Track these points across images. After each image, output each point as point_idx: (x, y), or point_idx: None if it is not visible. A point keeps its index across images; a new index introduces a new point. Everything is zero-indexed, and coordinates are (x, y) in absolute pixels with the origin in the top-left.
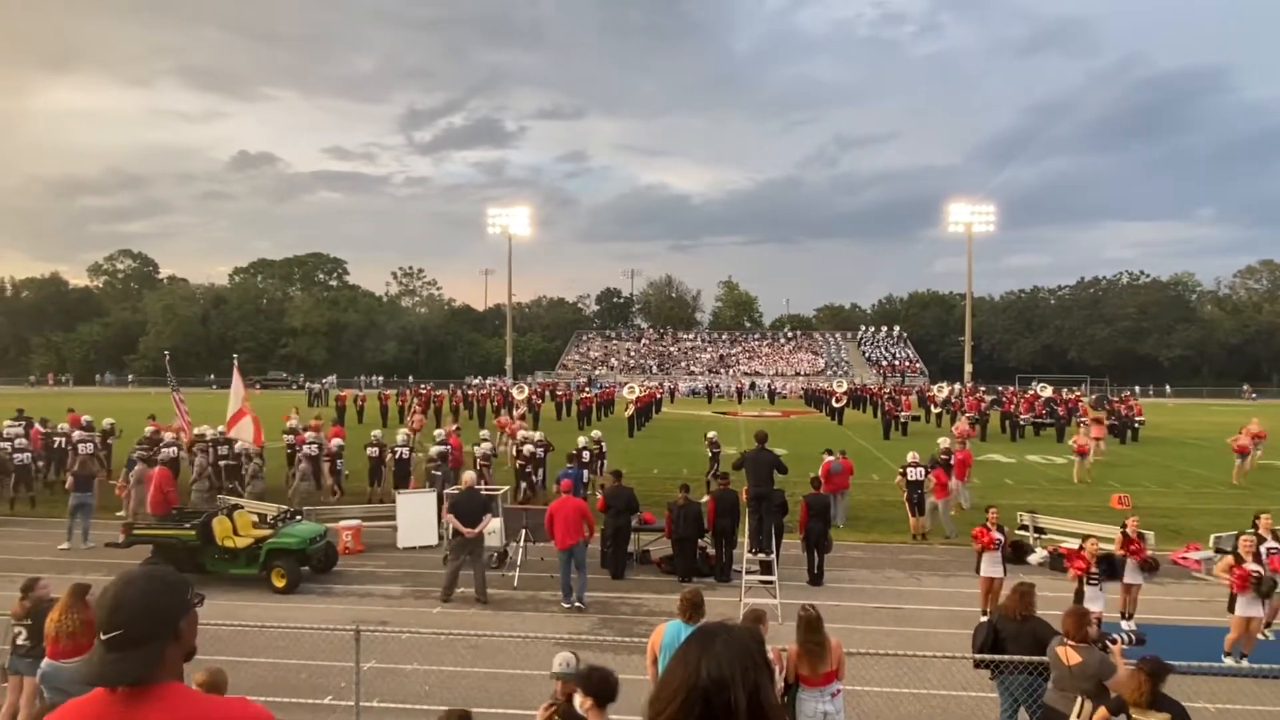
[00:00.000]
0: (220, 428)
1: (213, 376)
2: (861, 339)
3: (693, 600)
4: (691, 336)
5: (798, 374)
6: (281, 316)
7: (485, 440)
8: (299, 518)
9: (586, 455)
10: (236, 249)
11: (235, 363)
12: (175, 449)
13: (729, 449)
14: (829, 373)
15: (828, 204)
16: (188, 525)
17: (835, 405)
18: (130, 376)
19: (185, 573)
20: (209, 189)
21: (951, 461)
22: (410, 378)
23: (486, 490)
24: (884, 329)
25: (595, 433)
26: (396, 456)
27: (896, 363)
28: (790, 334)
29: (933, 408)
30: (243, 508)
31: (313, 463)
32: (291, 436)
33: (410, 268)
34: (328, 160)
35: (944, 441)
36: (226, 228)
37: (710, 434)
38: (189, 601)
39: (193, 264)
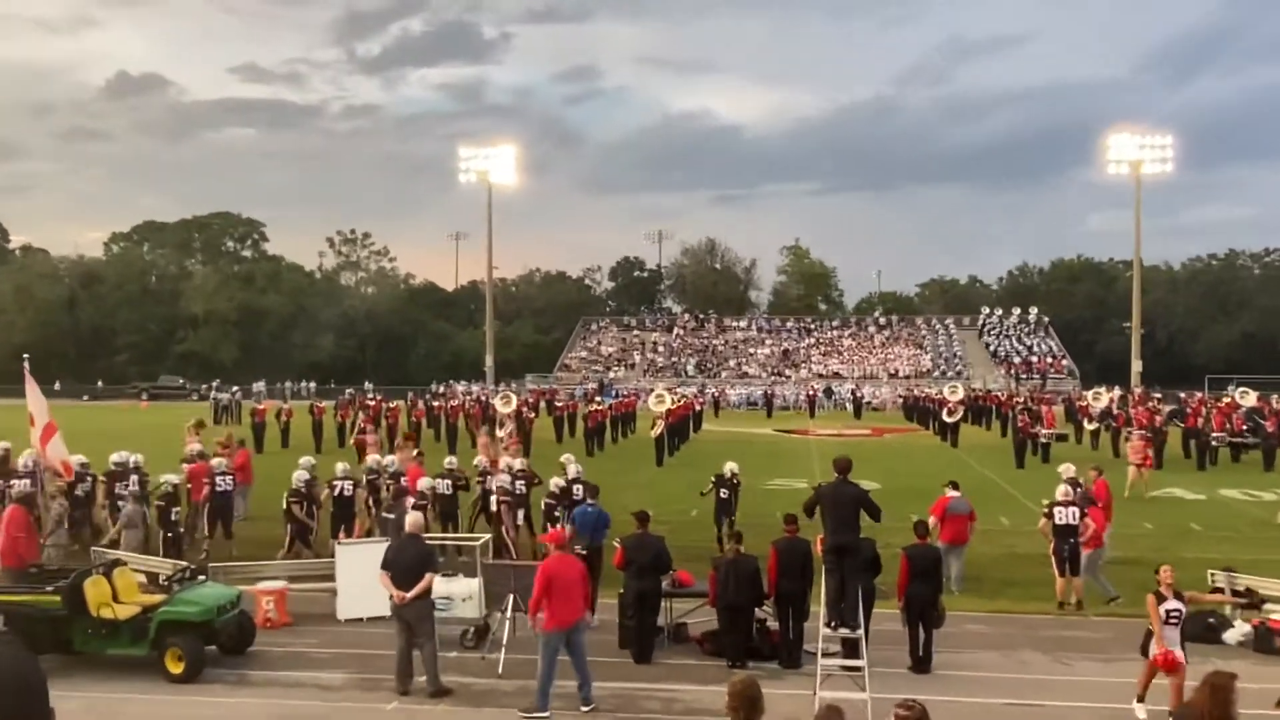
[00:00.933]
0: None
1: (100, 384)
2: (984, 326)
3: (746, 693)
4: (744, 324)
5: (894, 375)
6: (176, 300)
7: (493, 468)
8: (202, 578)
9: (578, 491)
10: (115, 208)
11: (25, 365)
12: (30, 481)
13: (797, 482)
14: (938, 374)
15: (935, 136)
16: (50, 588)
17: (947, 419)
18: None
19: (47, 653)
20: (76, 125)
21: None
22: (367, 384)
23: (441, 541)
24: (1016, 312)
25: (567, 456)
26: (336, 493)
27: (1034, 359)
28: (884, 319)
29: (1086, 423)
30: (124, 564)
31: (224, 500)
32: (188, 466)
33: (352, 232)
34: (237, 84)
35: (1068, 469)
36: (101, 178)
37: (729, 468)
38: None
39: (55, 229)
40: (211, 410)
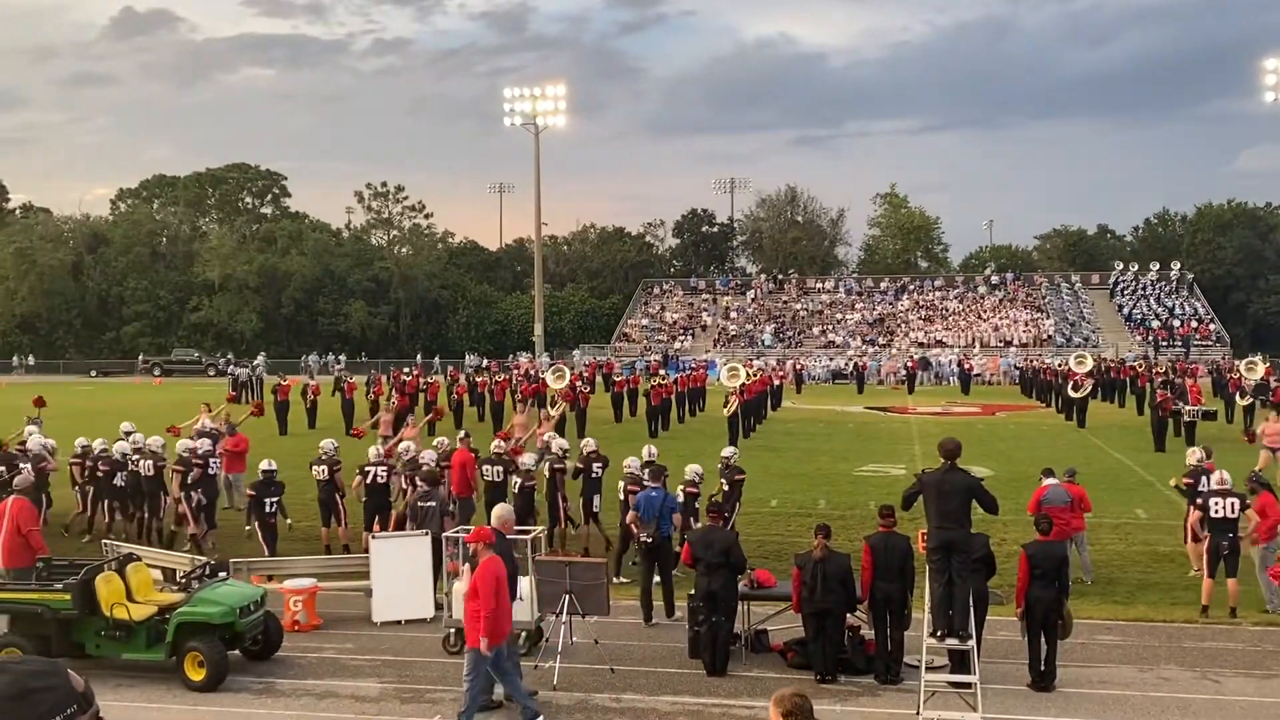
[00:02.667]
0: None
1: (144, 361)
2: (1116, 285)
3: (798, 708)
4: (830, 285)
5: (1008, 344)
6: (190, 264)
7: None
8: (224, 575)
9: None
10: (121, 161)
11: None
12: (46, 465)
13: (893, 469)
14: (1061, 341)
15: (1057, 62)
16: (58, 586)
17: (1073, 395)
18: None
19: (56, 657)
20: (78, 70)
21: (1206, 488)
22: (436, 360)
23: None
24: (1154, 268)
25: (555, 438)
26: (369, 480)
27: (1176, 323)
28: (996, 278)
29: (1239, 398)
30: (138, 559)
31: (210, 486)
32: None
33: (383, 185)
34: (253, 18)
35: (1193, 454)
36: (106, 129)
37: (691, 471)
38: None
39: (57, 185)
40: (229, 386)
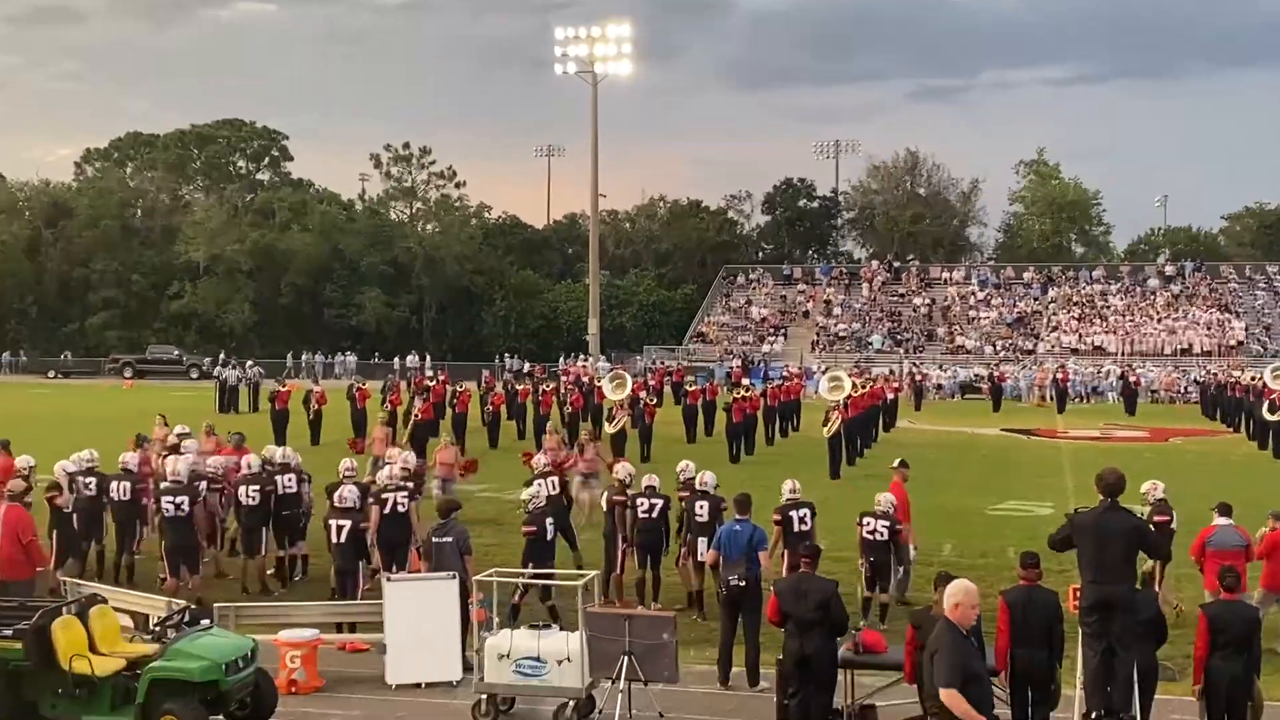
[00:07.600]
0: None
1: (65, 355)
2: None
3: None
4: (960, 275)
5: (1186, 352)
6: (171, 240)
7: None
8: (205, 623)
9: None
10: (89, 116)
11: None
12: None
13: (1039, 507)
14: (1257, 349)
15: (1243, 2)
16: (8, 632)
17: (1268, 417)
18: None
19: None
20: (38, 4)
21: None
22: (413, 357)
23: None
24: None
25: (622, 464)
26: (387, 509)
27: None
28: (1171, 268)
29: None
30: (104, 601)
31: (183, 522)
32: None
33: (406, 147)
34: None
35: (1152, 488)
36: (72, 76)
37: (702, 475)
38: None
39: (10, 144)
40: (216, 394)
